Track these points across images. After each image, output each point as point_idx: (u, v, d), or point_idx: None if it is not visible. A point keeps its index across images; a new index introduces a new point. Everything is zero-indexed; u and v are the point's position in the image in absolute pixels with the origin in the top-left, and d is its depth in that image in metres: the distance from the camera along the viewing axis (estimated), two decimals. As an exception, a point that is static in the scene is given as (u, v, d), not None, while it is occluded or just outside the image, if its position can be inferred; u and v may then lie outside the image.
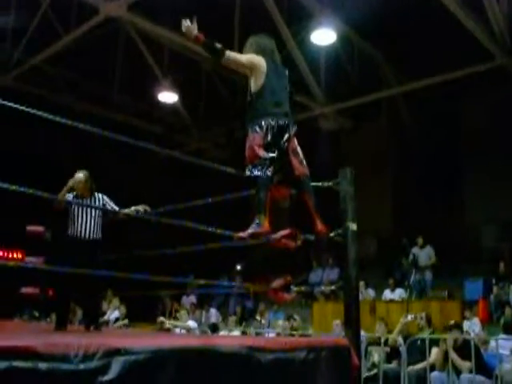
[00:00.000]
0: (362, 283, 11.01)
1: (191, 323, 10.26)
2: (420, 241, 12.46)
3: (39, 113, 3.38)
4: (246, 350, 2.99)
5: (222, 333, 10.17)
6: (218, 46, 4.09)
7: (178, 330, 9.89)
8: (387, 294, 12.34)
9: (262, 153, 3.99)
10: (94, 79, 15.28)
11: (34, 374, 2.12)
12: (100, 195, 5.89)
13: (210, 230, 4.05)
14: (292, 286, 4.32)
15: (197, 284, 15.34)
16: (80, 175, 5.78)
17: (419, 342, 7.66)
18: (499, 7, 10.80)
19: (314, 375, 3.40)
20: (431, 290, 12.24)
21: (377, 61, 14.36)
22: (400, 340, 7.90)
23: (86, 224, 5.66)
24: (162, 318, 10.55)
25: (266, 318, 12.27)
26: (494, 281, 11.34)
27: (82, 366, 2.27)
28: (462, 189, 14.96)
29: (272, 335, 9.53)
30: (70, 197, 5.72)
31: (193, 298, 15.02)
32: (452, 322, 7.95)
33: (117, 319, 10.96)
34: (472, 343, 6.93)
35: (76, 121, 3.65)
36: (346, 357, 3.71)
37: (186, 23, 4.06)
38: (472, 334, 8.54)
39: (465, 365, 6.95)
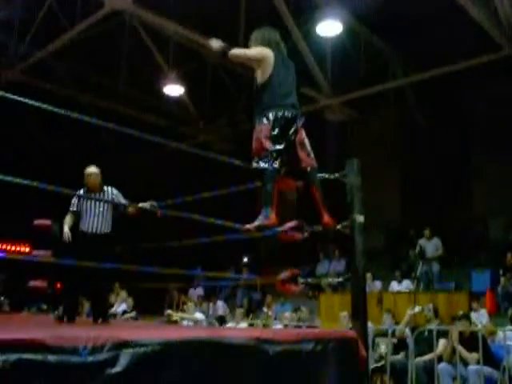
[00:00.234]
0: (368, 275, 11.01)
1: (199, 315, 10.30)
2: (427, 232, 12.44)
3: (46, 106, 3.38)
4: (254, 341, 3.00)
5: (229, 325, 10.20)
6: (224, 44, 4.12)
7: (185, 323, 9.93)
8: (394, 286, 12.34)
9: (269, 145, 3.98)
10: (100, 72, 15.28)
11: (44, 367, 2.13)
12: (109, 189, 5.91)
13: (217, 222, 4.06)
14: (299, 278, 4.32)
15: (204, 276, 15.39)
16: (90, 170, 5.80)
17: (426, 333, 7.65)
18: (506, -3, 10.73)
19: (321, 367, 3.41)
20: (438, 281, 12.23)
21: (383, 52, 14.29)
22: (407, 331, 7.89)
23: (96, 218, 5.69)
24: (169, 311, 10.60)
25: (273, 310, 12.30)
26: (501, 272, 11.31)
27: (90, 359, 2.28)
28: (470, 180, 14.91)
29: (279, 327, 9.54)
30: (81, 191, 5.75)
31: (200, 291, 15.06)
32: (461, 312, 7.94)
33: (124, 312, 11.01)
34: (479, 335, 6.93)
35: (82, 114, 3.66)
36: (353, 348, 3.71)
37: (218, 44, 4.11)
38: (479, 326, 8.52)
39: (472, 356, 6.95)
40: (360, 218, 4.07)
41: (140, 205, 5.27)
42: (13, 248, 18.31)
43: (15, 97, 3.24)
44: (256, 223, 3.95)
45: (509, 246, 12.27)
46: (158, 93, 15.46)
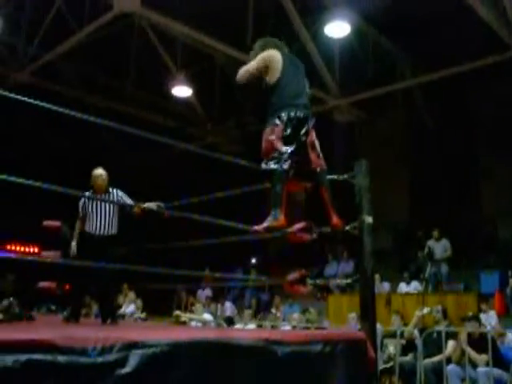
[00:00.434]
0: (377, 276, 10.98)
1: (207, 316, 10.30)
2: (436, 233, 12.39)
3: (57, 108, 3.40)
4: (263, 342, 3.00)
5: (237, 326, 10.20)
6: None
7: (193, 323, 9.94)
8: (403, 287, 12.30)
9: (280, 146, 3.96)
10: (108, 74, 15.34)
11: (53, 367, 2.14)
12: (115, 191, 5.92)
13: (225, 223, 4.06)
14: (308, 279, 4.31)
15: (212, 277, 15.40)
16: (99, 172, 5.82)
17: (435, 334, 7.64)
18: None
19: (330, 368, 3.40)
20: (447, 282, 12.18)
21: (391, 53, 14.27)
22: (416, 333, 7.87)
23: (102, 220, 5.71)
24: (177, 312, 10.61)
25: (281, 311, 12.29)
26: (510, 273, 11.24)
27: (99, 359, 2.29)
28: (478, 181, 14.86)
29: (287, 328, 9.54)
30: (86, 194, 5.77)
31: (208, 292, 15.07)
32: (470, 313, 7.91)
33: (133, 313, 11.04)
34: (489, 336, 6.90)
35: (91, 115, 3.68)
36: (362, 350, 3.71)
37: None
38: (488, 327, 8.49)
39: (481, 358, 6.92)
40: (369, 219, 4.06)
41: (146, 205, 5.27)
42: (22, 249, 18.40)
43: (25, 98, 3.26)
44: (265, 224, 3.94)
45: (518, 247, 12.23)
46: (166, 94, 15.50)
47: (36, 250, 17.47)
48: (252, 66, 4.31)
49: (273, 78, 4.17)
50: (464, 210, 14.39)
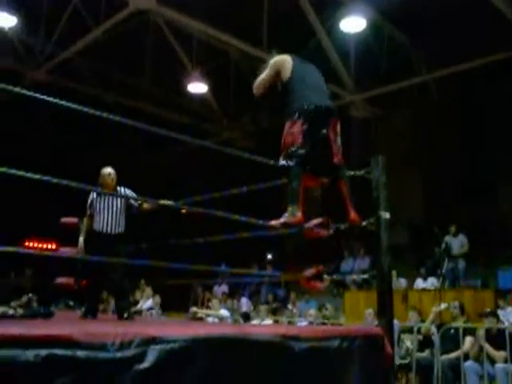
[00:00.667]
0: (393, 272, 10.93)
1: (224, 312, 10.32)
2: (453, 229, 12.32)
3: (77, 107, 3.42)
4: (280, 338, 3.00)
5: (254, 322, 10.22)
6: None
7: (210, 319, 9.97)
8: (419, 283, 12.25)
9: (300, 139, 3.95)
10: (124, 71, 15.41)
11: (73, 362, 2.16)
12: (122, 189, 5.94)
13: (241, 219, 4.07)
14: (324, 275, 4.31)
15: (228, 273, 15.43)
16: (109, 170, 5.85)
17: (452, 330, 7.60)
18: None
19: (347, 364, 3.40)
20: (464, 278, 12.10)
21: (407, 48, 14.19)
22: (433, 329, 7.84)
23: (109, 218, 5.74)
24: (194, 309, 10.64)
25: (297, 307, 12.29)
26: (527, 269, 11.18)
27: (118, 355, 2.31)
28: (495, 176, 14.72)
29: (304, 324, 9.54)
30: (94, 193, 5.80)
31: (224, 288, 15.10)
32: (487, 309, 7.87)
33: (150, 308, 11.09)
34: (507, 332, 6.85)
35: (106, 112, 3.70)
36: (379, 346, 3.70)
37: None
38: (506, 323, 8.42)
39: (499, 354, 6.88)
40: (386, 215, 4.05)
41: (161, 202, 5.27)
42: (40, 245, 18.57)
43: (44, 97, 3.29)
44: (282, 220, 3.94)
45: (536, 242, 12.12)
46: (182, 91, 15.54)
47: (54, 246, 17.60)
48: (264, 74, 4.38)
49: (285, 76, 4.21)
50: (482, 205, 14.27)
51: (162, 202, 5.00)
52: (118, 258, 5.38)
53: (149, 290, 11.51)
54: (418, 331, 8.03)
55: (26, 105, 11.71)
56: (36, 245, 18.49)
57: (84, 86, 14.75)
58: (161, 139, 14.25)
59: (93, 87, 15.02)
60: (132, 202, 5.88)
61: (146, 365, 2.37)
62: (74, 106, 3.41)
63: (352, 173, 4.30)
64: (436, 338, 7.61)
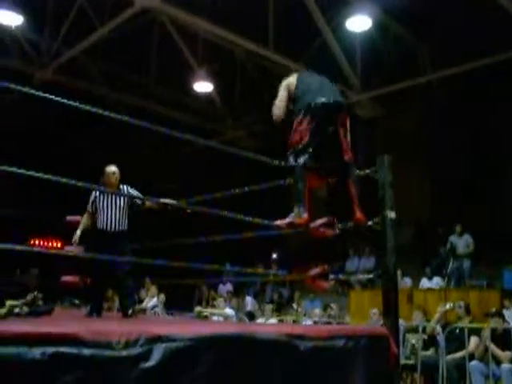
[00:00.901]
0: (398, 272, 10.90)
1: (229, 311, 10.32)
2: (458, 229, 12.30)
3: (83, 106, 3.43)
4: (285, 337, 3.00)
5: (258, 321, 10.22)
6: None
7: (215, 318, 9.97)
8: (425, 283, 12.22)
9: (307, 137, 3.96)
10: (129, 70, 15.42)
11: (79, 360, 2.17)
12: (125, 187, 5.95)
13: (246, 219, 4.06)
14: (330, 275, 4.30)
15: (233, 272, 15.42)
16: (113, 168, 5.85)
17: (458, 330, 7.58)
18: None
19: (352, 363, 3.40)
20: (469, 278, 12.08)
21: (413, 47, 14.16)
22: (438, 328, 7.82)
23: (112, 216, 5.74)
24: (199, 308, 10.64)
25: (302, 307, 12.27)
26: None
27: (124, 353, 2.32)
28: (501, 176, 14.67)
29: (309, 323, 9.53)
30: (97, 191, 5.81)
31: (229, 286, 15.10)
32: (493, 309, 7.85)
33: (154, 307, 11.09)
34: (512, 332, 6.84)
35: (112, 112, 3.71)
36: (384, 345, 3.69)
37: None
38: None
39: (505, 355, 6.86)
40: (391, 215, 4.04)
41: (162, 200, 5.26)
42: (45, 243, 18.61)
43: (52, 96, 3.30)
44: (288, 220, 3.94)
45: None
46: (187, 90, 15.54)
47: (59, 244, 17.65)
48: (277, 99, 4.41)
49: (292, 89, 4.32)
50: (487, 205, 14.24)
51: (162, 200, 5.00)
52: (123, 256, 5.39)
53: (154, 289, 11.51)
54: (423, 331, 8.01)
55: (33, 104, 11.75)
56: (41, 243, 18.54)
57: (90, 85, 14.76)
58: (166, 138, 14.26)
59: (100, 86, 15.03)
60: (136, 200, 5.88)
61: (151, 363, 2.37)
62: (81, 105, 3.42)
63: (358, 172, 4.30)
64: (441, 338, 7.58)
